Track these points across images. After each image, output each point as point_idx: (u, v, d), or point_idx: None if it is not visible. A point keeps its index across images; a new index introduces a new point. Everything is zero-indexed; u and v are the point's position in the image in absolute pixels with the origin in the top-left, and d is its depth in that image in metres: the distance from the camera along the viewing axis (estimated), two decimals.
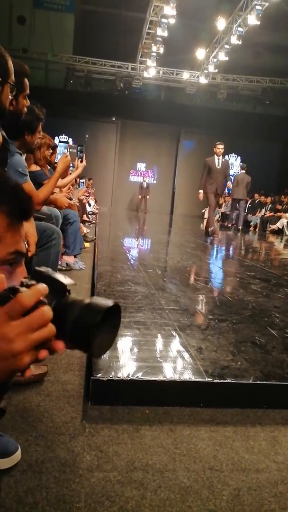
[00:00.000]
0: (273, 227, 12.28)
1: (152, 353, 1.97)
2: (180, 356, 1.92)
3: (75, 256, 4.24)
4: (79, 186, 6.42)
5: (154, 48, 13.78)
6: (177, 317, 2.50)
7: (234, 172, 15.47)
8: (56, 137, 14.21)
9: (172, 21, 12.17)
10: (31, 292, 0.55)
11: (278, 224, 12.16)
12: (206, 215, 14.52)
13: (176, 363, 1.85)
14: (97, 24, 16.69)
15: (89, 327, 0.55)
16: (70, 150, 3.77)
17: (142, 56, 15.33)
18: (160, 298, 2.93)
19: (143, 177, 17.92)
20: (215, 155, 8.07)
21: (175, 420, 1.54)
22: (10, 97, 1.60)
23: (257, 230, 13.19)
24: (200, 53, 14.66)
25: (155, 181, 18.50)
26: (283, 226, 12.01)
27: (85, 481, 1.17)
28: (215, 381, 1.69)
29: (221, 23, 12.58)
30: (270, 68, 16.51)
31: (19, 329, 0.53)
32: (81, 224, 5.36)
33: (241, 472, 1.29)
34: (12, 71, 1.57)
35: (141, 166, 18.47)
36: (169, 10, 11.58)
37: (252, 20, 11.22)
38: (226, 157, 8.14)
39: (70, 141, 13.59)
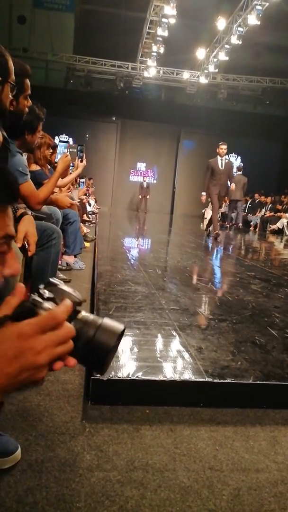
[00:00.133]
0: (273, 227, 12.28)
1: (152, 353, 1.97)
2: (180, 356, 1.92)
3: (75, 256, 4.24)
4: (79, 186, 6.40)
5: (154, 48, 13.77)
6: (177, 317, 2.50)
7: (234, 173, 15.43)
8: (56, 137, 14.22)
9: (172, 21, 12.17)
10: (63, 308, 0.57)
11: (278, 224, 12.16)
12: (206, 215, 14.55)
13: (176, 363, 1.85)
14: (97, 23, 16.70)
15: (104, 350, 0.58)
16: (70, 149, 3.76)
17: (142, 55, 15.32)
18: (160, 298, 2.93)
19: (143, 176, 17.91)
20: (218, 156, 7.80)
21: (175, 420, 1.54)
22: (10, 96, 1.60)
23: (257, 230, 13.19)
24: (200, 53, 14.66)
25: (155, 181, 18.48)
26: (283, 226, 12.02)
27: (85, 481, 1.17)
28: (215, 381, 1.69)
29: (221, 23, 12.58)
30: (270, 68, 16.52)
31: (47, 343, 0.55)
32: (81, 224, 5.36)
33: (241, 472, 1.29)
34: (12, 70, 1.57)
35: (141, 165, 18.45)
36: (170, 10, 11.59)
37: (252, 20, 11.22)
38: (226, 156, 8.00)
39: (70, 140, 13.56)
